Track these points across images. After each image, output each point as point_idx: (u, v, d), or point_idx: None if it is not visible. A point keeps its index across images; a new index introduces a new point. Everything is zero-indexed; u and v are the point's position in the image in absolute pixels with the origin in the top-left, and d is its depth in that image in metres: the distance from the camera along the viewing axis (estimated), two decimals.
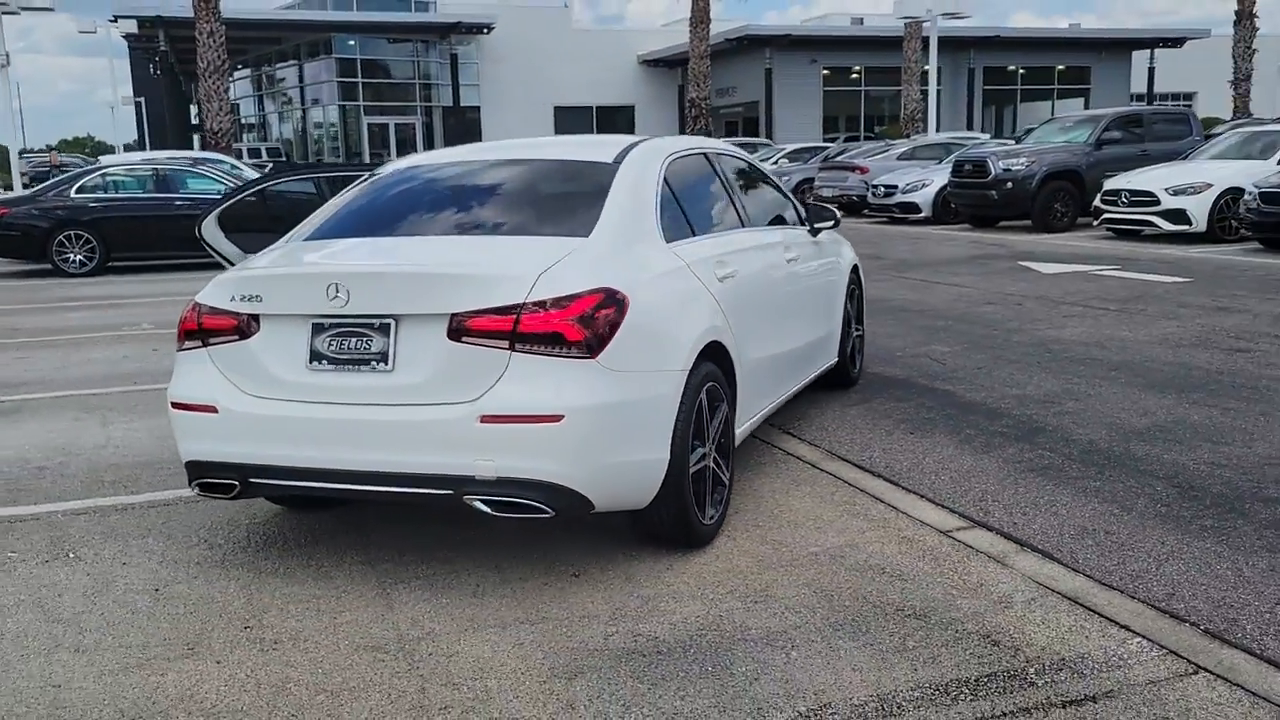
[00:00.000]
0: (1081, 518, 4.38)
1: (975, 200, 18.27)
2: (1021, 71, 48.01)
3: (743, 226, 5.12)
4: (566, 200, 4.31)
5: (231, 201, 5.61)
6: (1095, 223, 16.36)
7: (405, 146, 44.22)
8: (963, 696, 3.02)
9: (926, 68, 33.27)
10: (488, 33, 44.03)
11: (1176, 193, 14.84)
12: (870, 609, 3.59)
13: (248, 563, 4.17)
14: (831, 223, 6.05)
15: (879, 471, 5.09)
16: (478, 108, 45.31)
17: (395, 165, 4.91)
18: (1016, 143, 20.56)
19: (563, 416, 3.51)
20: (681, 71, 50.69)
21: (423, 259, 3.90)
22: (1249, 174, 14.48)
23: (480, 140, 43.50)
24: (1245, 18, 38.40)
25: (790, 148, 28.35)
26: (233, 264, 5.74)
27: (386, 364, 3.66)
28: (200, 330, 3.93)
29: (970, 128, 43.52)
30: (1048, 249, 14.94)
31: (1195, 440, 5.34)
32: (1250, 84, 38.51)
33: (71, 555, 4.32)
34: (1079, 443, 5.39)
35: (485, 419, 3.52)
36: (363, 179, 4.86)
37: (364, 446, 3.66)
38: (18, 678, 3.29)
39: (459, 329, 3.56)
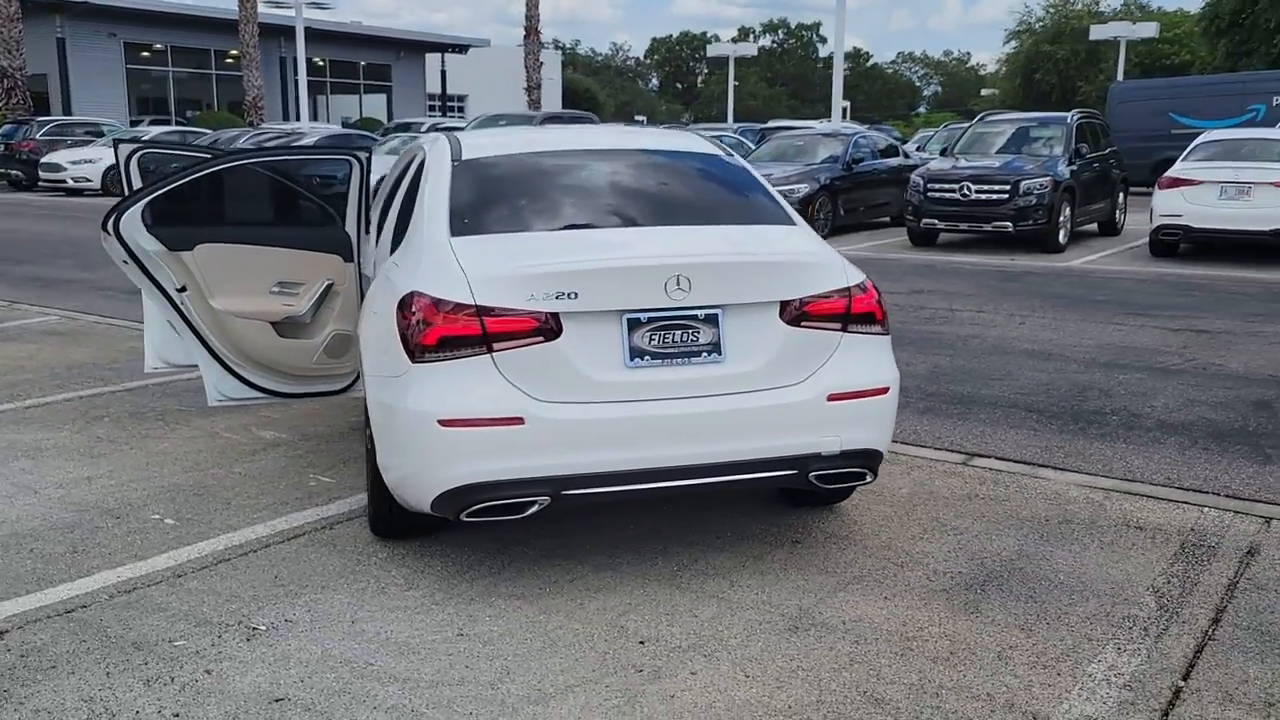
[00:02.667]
0: (1024, 441, 5.67)
1: None
2: (328, 64, 48.90)
3: None
4: (739, 192, 4.44)
5: (165, 190, 4.48)
6: None
7: None
8: (1202, 561, 4.08)
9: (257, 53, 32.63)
10: None
11: None
12: (1039, 525, 4.47)
13: (482, 596, 3.74)
14: None
15: None
16: None
17: (476, 151, 4.41)
18: None
19: (888, 389, 3.88)
20: None
21: (743, 248, 3.87)
22: None
23: None
24: (532, 33, 43.70)
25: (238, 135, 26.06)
26: (141, 265, 4.66)
27: (719, 354, 3.65)
28: (484, 335, 3.47)
29: (287, 118, 43.35)
30: None
31: (991, 380, 6.96)
32: (541, 91, 43.98)
33: (261, 627, 3.46)
34: (922, 391, 6.68)
35: (833, 397, 3.74)
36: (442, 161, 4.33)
37: (701, 440, 3.63)
38: None
39: (798, 314, 3.72)
